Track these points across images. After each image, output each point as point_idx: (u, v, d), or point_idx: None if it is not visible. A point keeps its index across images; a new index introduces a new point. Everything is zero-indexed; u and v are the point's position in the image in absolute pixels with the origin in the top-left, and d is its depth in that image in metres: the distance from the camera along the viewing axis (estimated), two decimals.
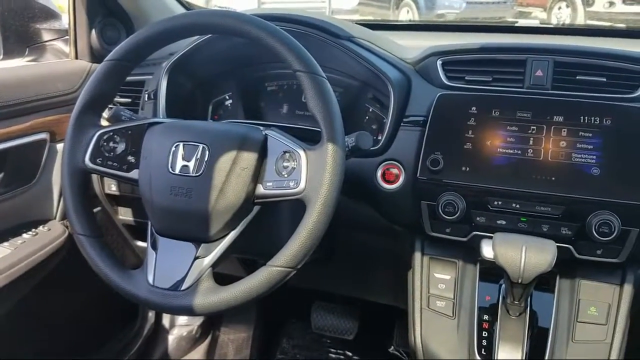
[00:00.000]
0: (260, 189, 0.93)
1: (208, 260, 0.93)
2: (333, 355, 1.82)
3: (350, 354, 1.82)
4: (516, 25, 1.63)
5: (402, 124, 1.12)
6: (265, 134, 0.95)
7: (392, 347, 1.72)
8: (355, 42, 1.21)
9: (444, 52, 1.18)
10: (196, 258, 0.93)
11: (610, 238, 0.95)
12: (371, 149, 1.09)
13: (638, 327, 1.10)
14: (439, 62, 1.16)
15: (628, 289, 1.00)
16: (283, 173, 0.91)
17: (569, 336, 1.00)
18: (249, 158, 0.91)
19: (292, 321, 1.94)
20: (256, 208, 0.96)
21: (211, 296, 0.89)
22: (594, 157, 0.99)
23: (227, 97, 1.39)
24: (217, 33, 1.08)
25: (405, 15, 6.14)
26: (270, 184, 0.92)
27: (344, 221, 1.19)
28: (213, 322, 1.88)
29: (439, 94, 1.11)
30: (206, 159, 0.92)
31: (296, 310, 1.92)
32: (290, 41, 0.92)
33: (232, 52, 1.30)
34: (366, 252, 1.30)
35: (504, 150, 1.03)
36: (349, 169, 1.03)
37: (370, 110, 1.26)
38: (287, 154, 0.91)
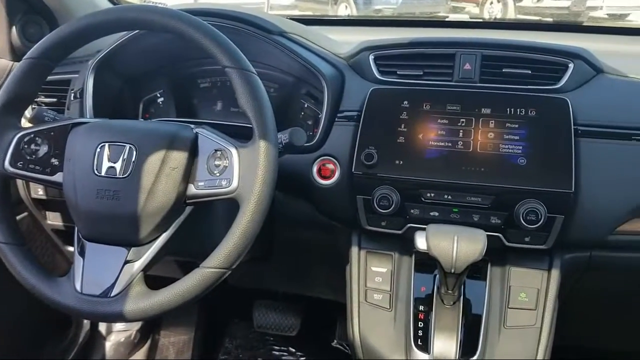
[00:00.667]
0: (192, 189, 0.90)
1: (139, 264, 0.90)
2: (276, 353, 1.82)
3: (293, 350, 1.82)
4: (447, 20, 1.66)
5: (336, 119, 1.13)
6: (196, 132, 0.93)
7: (335, 341, 1.73)
8: (287, 38, 1.21)
9: (375, 46, 1.19)
10: (126, 262, 0.90)
11: (537, 225, 0.98)
12: (306, 144, 1.09)
13: (567, 311, 1.15)
14: (371, 57, 1.17)
15: (555, 274, 1.03)
16: (215, 172, 0.89)
17: (501, 322, 1.03)
18: (178, 157, 0.89)
19: (235, 321, 1.91)
20: (188, 209, 0.94)
21: (143, 301, 0.87)
22: (520, 147, 1.02)
23: (159, 95, 1.35)
24: (143, 29, 1.05)
25: (344, 10, 6.18)
26: (202, 183, 0.90)
27: (281, 218, 1.19)
28: (152, 325, 1.83)
29: (371, 89, 1.12)
30: (133, 159, 0.89)
31: (238, 310, 1.90)
32: (218, 36, 0.90)
33: (162, 48, 1.27)
34: (305, 249, 1.30)
35: (436, 143, 1.05)
36: (284, 165, 1.03)
37: (306, 106, 1.26)
38: (219, 152, 0.89)
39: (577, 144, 1.01)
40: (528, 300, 1.03)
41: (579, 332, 1.36)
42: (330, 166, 1.10)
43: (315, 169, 1.11)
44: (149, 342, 1.81)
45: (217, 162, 0.89)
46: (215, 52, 0.89)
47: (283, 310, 1.79)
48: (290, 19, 1.46)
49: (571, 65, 1.09)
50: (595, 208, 1.01)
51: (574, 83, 1.09)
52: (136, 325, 1.78)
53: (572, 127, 1.02)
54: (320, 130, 1.12)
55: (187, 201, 0.91)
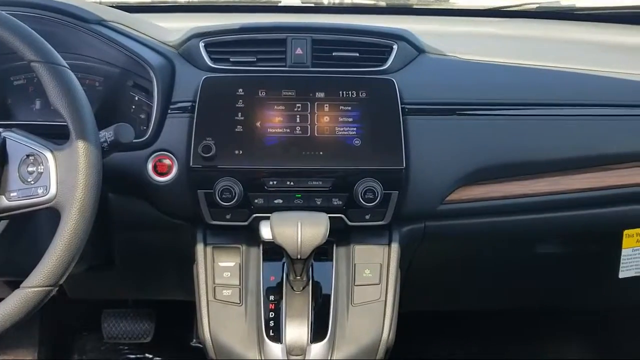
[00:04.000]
0: (4, 201, 0.81)
1: None
2: None
3: (150, 356, 1.73)
4: (279, 4, 1.66)
5: (169, 112, 1.07)
6: (3, 137, 0.82)
7: (194, 341, 1.68)
8: (107, 27, 1.12)
9: (205, 33, 1.14)
10: None
11: (375, 203, 1.01)
12: (137, 140, 1.02)
13: (410, 280, 1.22)
14: (201, 44, 1.13)
15: (395, 247, 1.08)
16: (29, 179, 0.80)
17: (349, 300, 1.05)
18: None
19: (83, 334, 1.78)
20: (3, 223, 0.83)
21: None
22: (355, 129, 1.04)
23: None
24: None
25: None
26: (15, 193, 0.80)
27: (118, 222, 1.11)
28: None
29: (204, 78, 1.07)
30: None
31: (86, 322, 1.76)
32: (18, 27, 0.81)
33: None
34: (149, 251, 1.23)
35: (274, 130, 1.04)
36: (113, 165, 0.96)
37: (137, 99, 1.18)
38: (32, 157, 0.80)
39: (405, 122, 1.06)
40: (372, 276, 1.06)
41: (422, 298, 1.45)
42: (167, 161, 1.05)
43: (150, 165, 1.04)
44: None
45: (30, 169, 0.80)
46: (17, 46, 0.80)
47: (134, 317, 1.69)
48: (113, 6, 1.36)
49: (395, 47, 1.14)
50: (425, 181, 1.07)
51: (399, 63, 1.13)
52: None
53: (400, 106, 1.06)
54: (152, 124, 1.05)
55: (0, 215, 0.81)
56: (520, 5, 1.63)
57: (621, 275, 1.20)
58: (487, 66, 1.20)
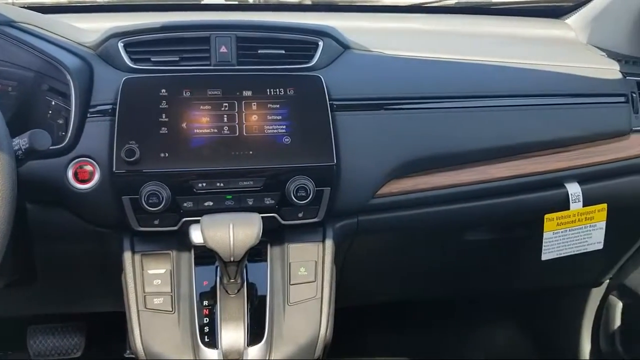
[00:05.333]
0: None
1: None
2: None
3: None
4: (202, 3, 1.62)
5: (88, 116, 1.02)
6: None
7: (127, 352, 1.62)
8: (18, 28, 1.05)
9: (124, 32, 1.10)
10: None
11: (307, 200, 1.01)
12: (54, 147, 0.97)
13: (345, 275, 1.22)
14: (120, 44, 1.08)
15: (329, 243, 1.08)
16: None
17: (285, 300, 1.04)
18: None
19: (8, 353, 1.68)
20: None
21: None
22: (284, 127, 1.03)
23: None
24: None
25: None
26: None
27: (37, 233, 1.05)
28: None
29: (124, 79, 1.03)
30: None
31: (10, 341, 1.66)
32: None
33: None
34: (75, 263, 1.17)
35: (201, 131, 1.01)
36: (31, 173, 0.92)
37: (53, 103, 1.11)
38: None
39: (334, 119, 1.06)
40: (307, 274, 1.06)
41: (358, 292, 1.46)
42: (88, 168, 1.00)
43: (70, 173, 1.00)
44: None
45: None
46: None
47: (63, 332, 1.61)
48: (26, 7, 1.28)
49: (320, 43, 1.14)
50: (356, 176, 1.07)
51: (325, 60, 1.13)
52: None
53: (328, 102, 1.06)
54: (70, 130, 1.00)
55: None
56: (440, 1, 1.67)
57: (543, 257, 1.26)
58: (412, 61, 1.23)
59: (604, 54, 1.37)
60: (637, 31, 1.39)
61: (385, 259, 1.35)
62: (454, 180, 1.16)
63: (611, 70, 1.28)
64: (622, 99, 1.24)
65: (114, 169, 0.97)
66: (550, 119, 1.19)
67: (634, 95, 1.25)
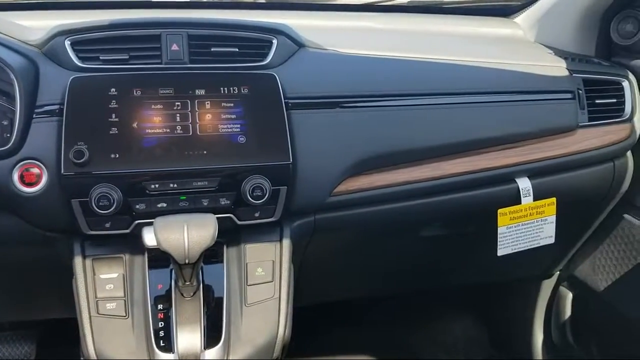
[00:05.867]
0: None
1: None
2: None
3: None
4: (153, 1, 1.59)
5: (34, 116, 0.98)
6: None
7: (82, 358, 1.57)
8: None
9: (71, 30, 1.06)
10: None
11: (264, 200, 1.00)
12: None
13: (304, 274, 1.22)
14: (67, 42, 1.05)
15: (287, 243, 1.08)
16: None
17: (242, 301, 1.03)
18: None
19: None
20: None
21: None
22: (239, 126, 1.02)
23: None
24: None
25: None
26: None
27: None
28: None
29: (71, 78, 1.00)
30: None
31: None
32: None
33: None
34: (23, 268, 1.13)
35: (153, 131, 0.99)
36: None
37: None
38: None
39: (289, 117, 1.06)
40: (265, 274, 1.05)
41: (317, 291, 1.46)
42: (35, 170, 0.96)
43: (15, 176, 0.96)
44: None
45: None
46: None
47: (13, 340, 1.56)
48: None
49: (275, 41, 1.13)
50: (313, 175, 1.07)
51: (280, 58, 1.13)
52: None
53: (283, 101, 1.05)
54: (15, 131, 0.96)
55: None
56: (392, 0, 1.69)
57: (499, 253, 1.29)
58: (367, 59, 1.23)
59: (551, 51, 1.41)
60: (582, 29, 1.44)
61: (343, 257, 1.36)
62: (410, 177, 1.17)
63: (558, 68, 1.31)
64: (569, 95, 1.28)
65: (62, 171, 0.94)
66: (501, 115, 1.22)
67: (580, 91, 1.29)
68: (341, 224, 1.17)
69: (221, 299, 1.01)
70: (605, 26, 1.43)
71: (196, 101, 1.02)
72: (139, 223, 0.98)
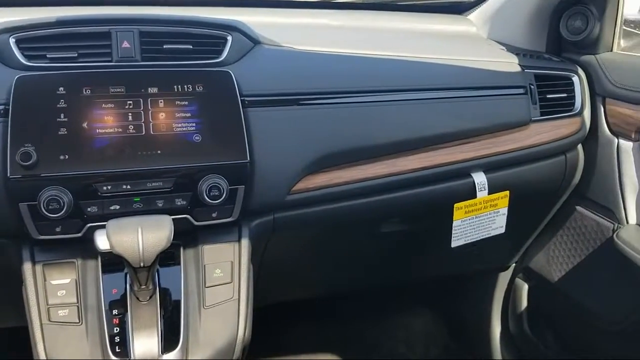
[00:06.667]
0: None
1: None
2: None
3: None
4: None
5: None
6: None
7: None
8: None
9: (16, 27, 1.02)
10: None
11: (221, 200, 0.98)
12: None
13: (264, 274, 1.21)
14: (12, 40, 1.01)
15: (245, 243, 1.06)
16: None
17: (200, 304, 1.00)
18: None
19: None
20: None
21: None
22: (194, 124, 1.00)
23: None
24: None
25: None
26: None
27: None
28: None
29: (17, 77, 0.96)
30: None
31: None
32: None
33: None
34: None
35: (104, 131, 0.96)
36: None
37: None
38: None
39: (246, 115, 1.04)
40: (223, 275, 1.03)
41: (278, 290, 1.45)
42: None
43: None
44: None
45: None
46: None
47: None
48: None
49: (229, 38, 1.11)
50: (271, 173, 1.06)
51: (235, 55, 1.11)
52: None
53: (239, 98, 1.04)
54: None
55: None
56: None
57: (453, 245, 1.31)
58: (323, 56, 1.23)
59: (504, 48, 1.43)
60: (533, 26, 1.47)
61: (303, 255, 1.35)
62: (368, 174, 1.17)
63: (511, 64, 1.34)
64: (521, 90, 1.31)
65: (8, 174, 0.90)
66: (456, 111, 1.23)
67: (532, 87, 1.32)
68: (301, 222, 1.16)
69: (179, 301, 0.99)
70: (555, 22, 1.46)
71: (149, 100, 0.99)
72: (91, 226, 0.95)
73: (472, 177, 1.27)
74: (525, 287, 1.71)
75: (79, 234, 0.95)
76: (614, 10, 1.37)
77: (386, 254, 1.50)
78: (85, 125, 0.95)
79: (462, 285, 1.95)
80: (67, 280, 0.97)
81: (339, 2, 1.68)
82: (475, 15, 1.60)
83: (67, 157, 0.93)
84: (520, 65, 1.34)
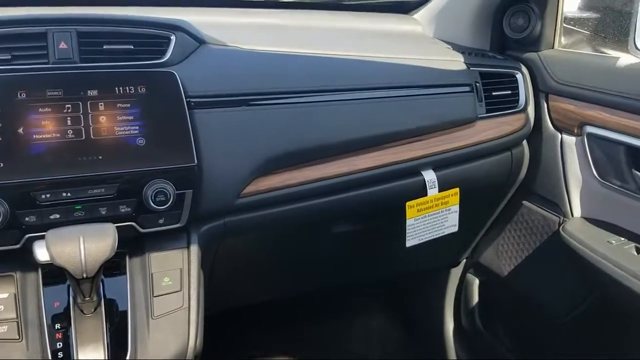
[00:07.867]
0: None
1: None
2: None
3: None
4: None
5: None
6: None
7: None
8: None
9: None
10: None
11: (168, 205, 0.95)
12: None
13: (216, 282, 1.17)
14: None
15: (195, 249, 1.03)
16: None
17: (149, 314, 0.97)
18: None
19: None
20: None
21: None
22: (137, 127, 0.96)
23: None
24: None
25: None
26: None
27: None
28: None
29: None
30: None
31: None
32: None
33: None
34: None
35: (41, 136, 0.91)
36: None
37: None
38: None
39: (192, 117, 1.01)
40: (172, 283, 0.99)
41: (232, 295, 1.42)
42: None
43: None
44: None
45: None
46: None
47: None
48: None
49: (173, 38, 1.08)
50: (220, 176, 1.04)
51: (179, 55, 1.08)
52: None
53: (185, 99, 1.01)
54: None
55: None
56: None
57: (407, 244, 1.31)
58: (270, 55, 1.21)
59: (449, 46, 1.45)
60: (477, 24, 1.50)
61: (256, 259, 1.33)
62: (320, 174, 1.16)
63: (456, 62, 1.36)
64: (467, 88, 1.32)
65: None
66: (404, 109, 1.24)
67: (478, 84, 1.34)
68: (253, 226, 1.14)
69: (125, 313, 0.95)
70: (498, 21, 1.49)
71: (88, 103, 0.95)
72: (30, 237, 0.90)
73: (422, 175, 1.27)
74: (477, 282, 1.74)
75: (17, 245, 0.90)
76: (555, 8, 1.41)
77: (341, 255, 1.50)
78: (20, 130, 0.90)
79: (415, 282, 1.97)
80: (5, 295, 0.91)
81: (286, 2, 1.66)
82: (421, 14, 1.61)
83: (1, 164, 0.87)
84: (465, 63, 1.36)
